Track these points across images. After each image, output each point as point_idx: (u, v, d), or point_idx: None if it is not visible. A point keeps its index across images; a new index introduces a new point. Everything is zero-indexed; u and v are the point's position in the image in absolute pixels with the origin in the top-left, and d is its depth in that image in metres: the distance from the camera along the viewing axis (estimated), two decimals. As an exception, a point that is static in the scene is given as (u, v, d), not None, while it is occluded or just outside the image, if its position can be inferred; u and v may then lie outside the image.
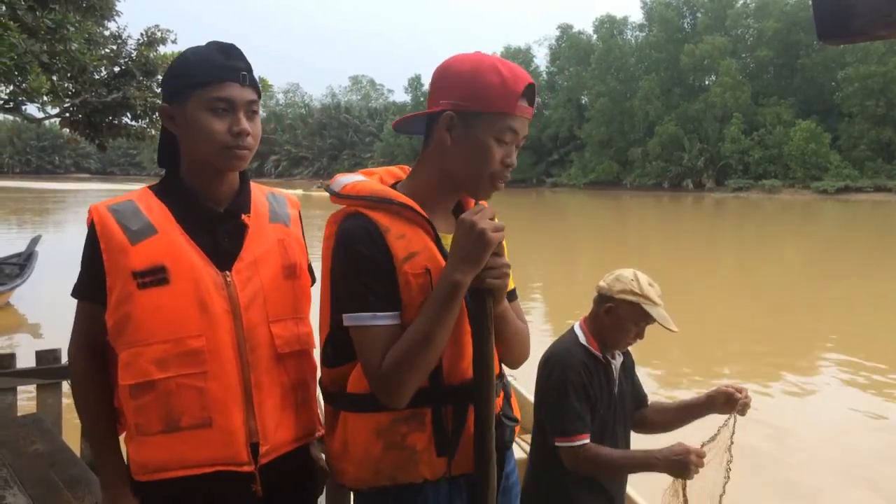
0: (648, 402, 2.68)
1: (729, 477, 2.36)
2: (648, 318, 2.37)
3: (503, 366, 1.80)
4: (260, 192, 1.83)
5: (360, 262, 1.56)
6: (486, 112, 1.56)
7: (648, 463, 2.28)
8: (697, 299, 13.57)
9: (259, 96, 1.72)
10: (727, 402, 2.40)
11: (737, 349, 9.83)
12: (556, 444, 2.33)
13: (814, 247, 24.16)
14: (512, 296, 1.77)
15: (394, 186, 1.70)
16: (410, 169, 1.76)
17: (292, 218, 1.85)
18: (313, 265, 1.85)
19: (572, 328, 2.51)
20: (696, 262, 19.56)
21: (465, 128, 1.58)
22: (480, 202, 1.59)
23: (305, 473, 1.84)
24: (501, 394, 1.75)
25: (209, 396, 1.61)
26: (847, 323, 11.56)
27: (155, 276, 1.60)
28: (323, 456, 1.88)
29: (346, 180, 1.67)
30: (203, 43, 1.73)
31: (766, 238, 26.57)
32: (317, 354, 1.79)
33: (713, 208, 46.97)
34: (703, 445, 2.34)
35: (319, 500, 1.99)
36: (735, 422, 2.40)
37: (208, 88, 1.62)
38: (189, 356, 1.60)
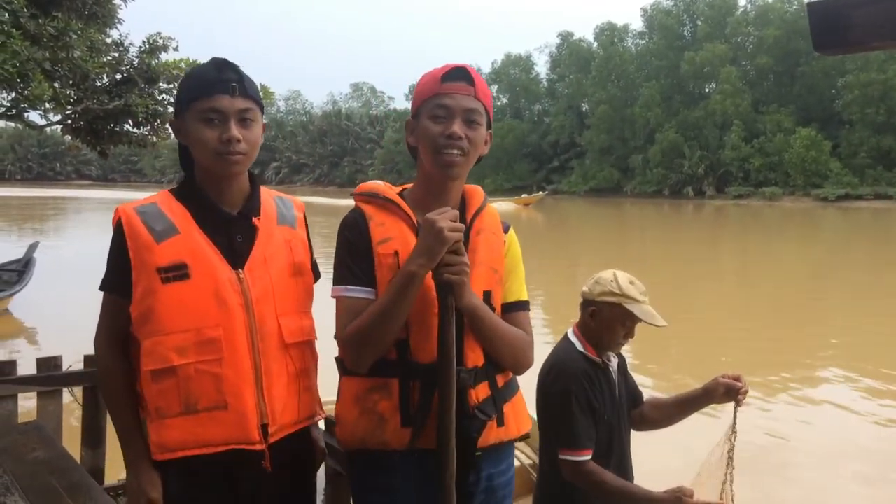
0: (644, 399, 2.67)
1: (732, 465, 2.37)
2: (633, 317, 2.36)
3: (498, 369, 1.90)
4: (268, 195, 2.00)
5: (343, 244, 1.86)
6: (421, 104, 1.85)
7: (648, 501, 2.28)
8: (699, 307, 13.56)
9: (258, 105, 1.86)
10: (727, 393, 2.41)
11: (739, 356, 9.82)
12: (560, 456, 2.32)
13: (815, 255, 24.15)
14: (517, 306, 1.95)
15: (402, 193, 1.94)
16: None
17: (298, 220, 2.02)
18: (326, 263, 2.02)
19: (566, 336, 2.50)
20: (697, 270, 19.55)
21: (417, 124, 1.86)
22: (446, 206, 1.78)
23: (307, 452, 2.03)
24: (484, 386, 1.84)
25: (224, 381, 1.77)
26: (849, 330, 11.55)
27: (177, 272, 1.77)
28: (322, 437, 2.12)
29: (363, 184, 1.96)
30: (201, 51, 1.84)
31: (767, 245, 26.57)
32: (318, 345, 2.03)
33: (714, 216, 46.98)
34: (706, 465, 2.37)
35: (320, 484, 2.18)
36: (736, 412, 2.41)
37: (200, 101, 1.81)
38: (207, 344, 1.77)
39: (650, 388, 7.30)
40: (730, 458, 2.38)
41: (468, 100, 1.81)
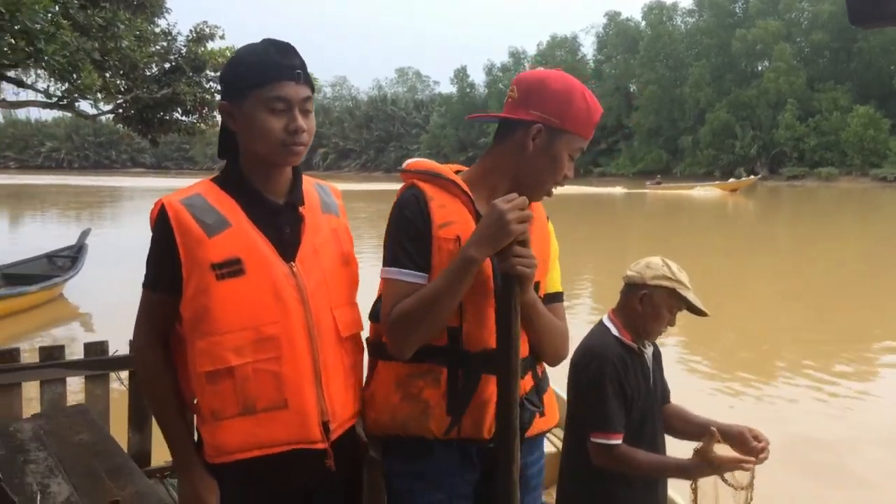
0: (670, 400, 2.60)
1: None
2: (682, 303, 2.35)
3: (545, 364, 1.92)
4: (309, 183, 1.90)
5: (401, 223, 1.76)
6: (568, 131, 1.77)
7: (680, 470, 2.26)
8: (751, 292, 13.27)
9: (313, 91, 1.79)
10: (741, 444, 2.25)
11: (792, 344, 9.59)
12: (591, 439, 2.30)
13: (875, 236, 23.40)
14: (556, 297, 1.94)
15: (457, 173, 1.87)
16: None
17: (340, 207, 1.94)
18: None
19: (601, 321, 2.47)
20: (749, 253, 19.12)
21: (548, 140, 1.77)
22: (515, 193, 1.69)
23: (357, 447, 1.95)
24: (529, 377, 1.85)
25: (284, 380, 1.70)
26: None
27: (232, 268, 1.68)
28: (362, 431, 2.02)
29: (412, 160, 1.87)
30: (244, 39, 1.77)
31: (824, 226, 25.87)
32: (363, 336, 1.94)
33: (767, 197, 45.90)
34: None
35: None
36: (753, 471, 2.20)
37: (266, 88, 1.69)
38: (265, 342, 1.69)
39: (700, 377, 7.12)
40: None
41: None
